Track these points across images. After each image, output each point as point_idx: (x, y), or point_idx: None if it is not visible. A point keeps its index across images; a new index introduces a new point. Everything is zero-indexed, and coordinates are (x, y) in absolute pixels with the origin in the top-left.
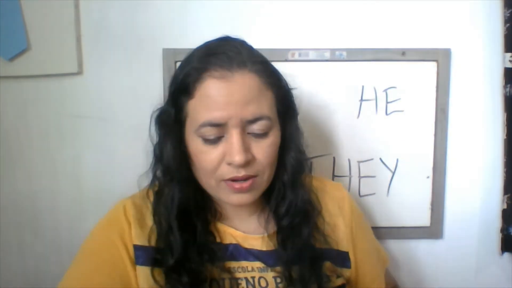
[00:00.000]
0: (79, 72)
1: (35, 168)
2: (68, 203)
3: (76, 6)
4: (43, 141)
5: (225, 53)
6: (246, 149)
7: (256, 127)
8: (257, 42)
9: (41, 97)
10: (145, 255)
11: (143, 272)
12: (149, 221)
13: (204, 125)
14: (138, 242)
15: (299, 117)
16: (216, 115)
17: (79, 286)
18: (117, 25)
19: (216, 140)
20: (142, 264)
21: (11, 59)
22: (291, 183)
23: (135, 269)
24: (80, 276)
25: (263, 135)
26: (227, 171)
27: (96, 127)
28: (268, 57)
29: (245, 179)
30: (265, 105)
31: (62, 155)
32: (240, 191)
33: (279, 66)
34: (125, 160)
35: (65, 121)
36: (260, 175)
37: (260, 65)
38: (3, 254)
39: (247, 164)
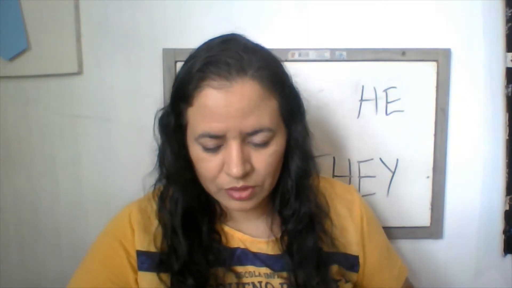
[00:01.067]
0: (79, 72)
1: (35, 168)
2: (68, 203)
3: (76, 6)
4: (43, 141)
5: (225, 61)
6: (245, 160)
7: (256, 139)
8: (257, 42)
9: (41, 97)
10: (150, 260)
11: (147, 277)
12: (155, 222)
13: (203, 135)
14: (142, 248)
15: None
16: (214, 127)
17: None
18: (117, 25)
19: (216, 149)
20: (147, 269)
21: (11, 59)
22: (295, 190)
23: (136, 275)
24: (84, 281)
25: (263, 145)
26: (225, 181)
27: (96, 127)
28: None
29: (243, 189)
30: (266, 116)
31: (62, 155)
32: (240, 199)
33: None
34: (125, 160)
35: (65, 121)
36: (259, 185)
37: (263, 70)
38: (3, 254)
39: (245, 175)
